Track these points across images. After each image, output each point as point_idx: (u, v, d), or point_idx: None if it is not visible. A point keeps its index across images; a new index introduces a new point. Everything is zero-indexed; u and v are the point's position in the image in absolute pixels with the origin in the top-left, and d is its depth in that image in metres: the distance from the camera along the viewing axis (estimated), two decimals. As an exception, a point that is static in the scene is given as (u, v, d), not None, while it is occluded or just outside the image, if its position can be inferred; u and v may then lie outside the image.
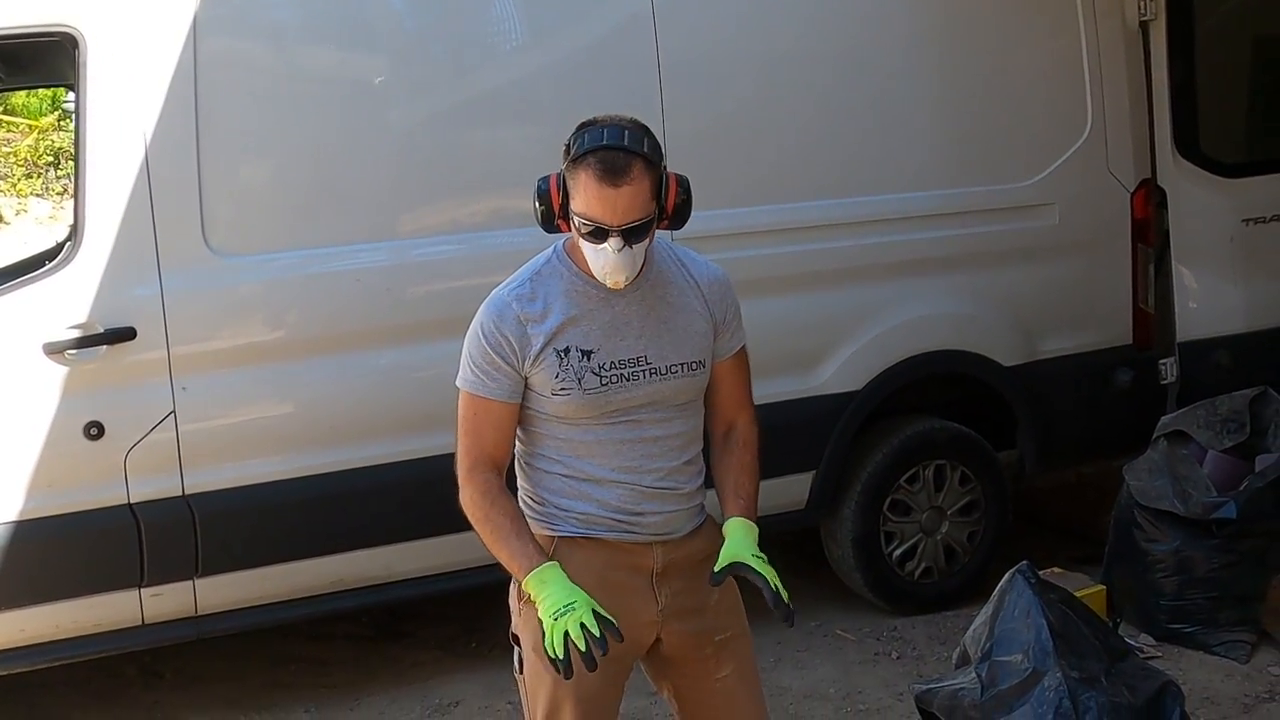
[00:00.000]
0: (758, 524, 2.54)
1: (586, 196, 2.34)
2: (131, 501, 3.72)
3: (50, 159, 12.72)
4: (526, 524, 2.49)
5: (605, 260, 2.37)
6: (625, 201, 2.34)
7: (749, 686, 2.68)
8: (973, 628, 3.50)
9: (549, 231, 2.47)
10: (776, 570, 2.45)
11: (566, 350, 2.44)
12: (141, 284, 3.70)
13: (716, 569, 2.47)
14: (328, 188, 3.94)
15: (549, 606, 2.35)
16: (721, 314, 2.56)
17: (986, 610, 3.47)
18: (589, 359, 2.45)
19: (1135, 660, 3.41)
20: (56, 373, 3.64)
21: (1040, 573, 3.55)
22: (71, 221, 3.81)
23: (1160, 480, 4.40)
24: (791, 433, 4.34)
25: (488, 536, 2.48)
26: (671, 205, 2.44)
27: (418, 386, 3.96)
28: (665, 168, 2.44)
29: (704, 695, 2.65)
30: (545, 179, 2.44)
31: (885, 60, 4.53)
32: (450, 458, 4.16)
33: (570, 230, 2.43)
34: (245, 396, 3.86)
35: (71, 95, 3.84)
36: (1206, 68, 5.09)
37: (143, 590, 3.76)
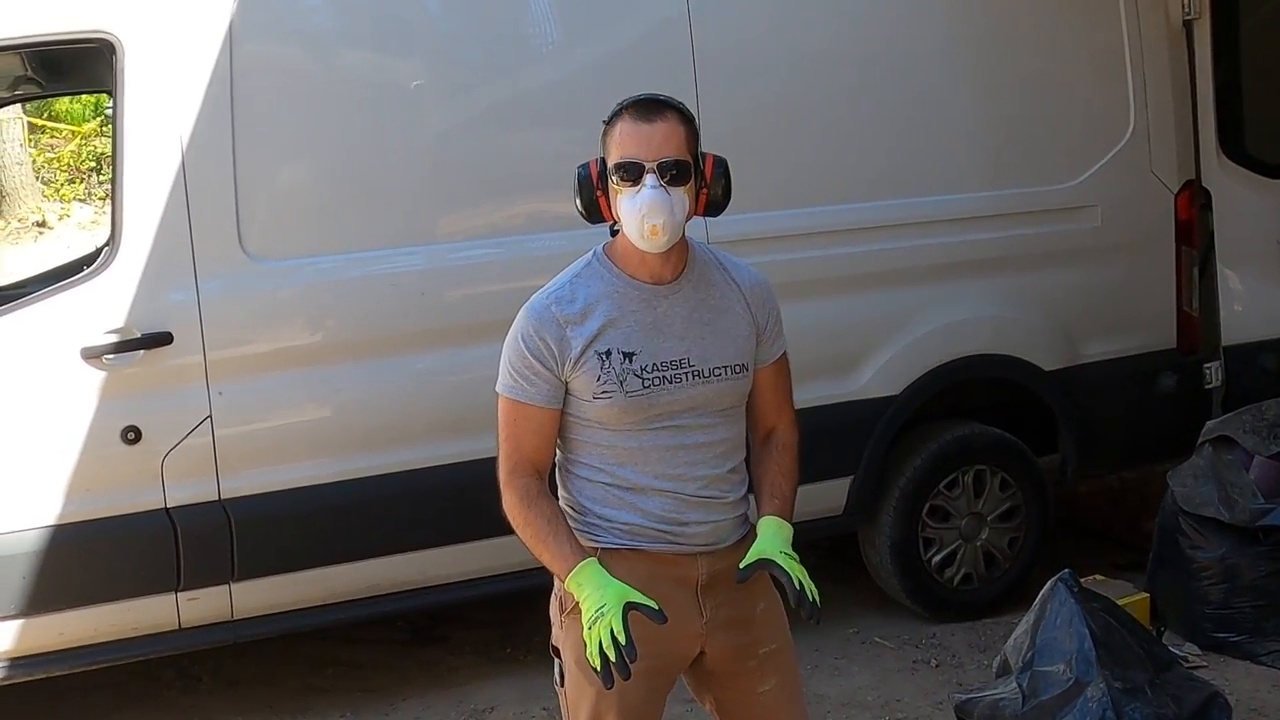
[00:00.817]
0: (792, 525, 2.49)
1: (622, 139, 2.36)
2: (168, 506, 3.73)
3: (93, 164, 12.87)
4: (565, 524, 2.44)
5: (642, 201, 2.33)
6: (660, 136, 2.34)
7: (792, 700, 2.64)
8: (1014, 636, 3.45)
9: (590, 217, 2.44)
10: (807, 570, 2.40)
11: (608, 353, 2.40)
12: (178, 289, 3.72)
13: (743, 565, 2.42)
14: (364, 192, 3.94)
15: (585, 616, 2.32)
16: (764, 319, 2.54)
17: (1028, 619, 3.42)
18: (631, 360, 2.40)
19: (1180, 670, 3.35)
20: (94, 377, 3.65)
21: (1082, 580, 3.50)
22: (110, 227, 3.83)
23: (1205, 486, 4.33)
24: (830, 437, 4.30)
25: (528, 540, 2.45)
26: (710, 174, 2.43)
27: (454, 391, 3.96)
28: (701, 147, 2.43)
29: (747, 709, 2.61)
30: (584, 163, 2.43)
31: (925, 60, 4.49)
32: (486, 462, 4.14)
33: (611, 211, 2.41)
34: (281, 401, 3.86)
35: (111, 101, 3.85)
36: (1251, 67, 5.02)
37: (179, 594, 3.77)
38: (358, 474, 3.91)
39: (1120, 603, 3.70)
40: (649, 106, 2.37)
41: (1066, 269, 4.69)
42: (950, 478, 4.55)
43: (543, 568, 3.91)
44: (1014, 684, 3.27)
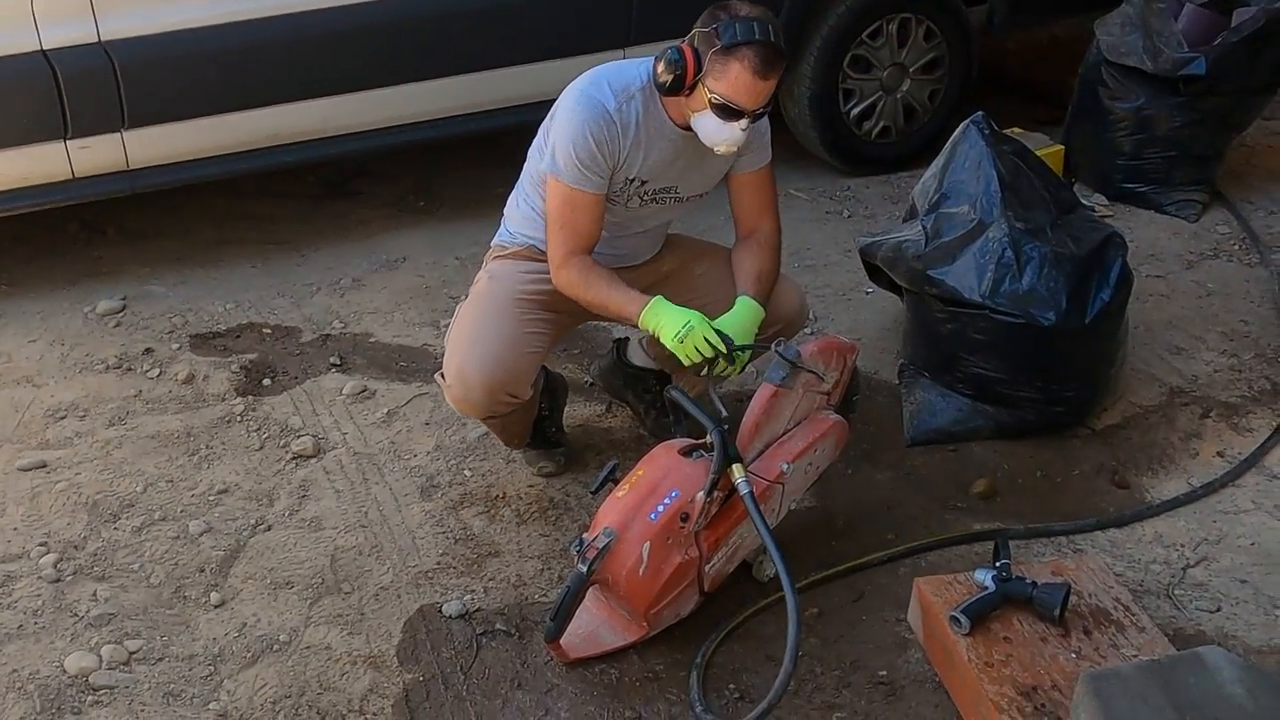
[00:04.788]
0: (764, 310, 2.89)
1: (736, 84, 2.60)
2: (44, 48, 3.51)
3: None
4: (619, 279, 2.80)
5: (730, 135, 2.68)
6: (766, 92, 2.64)
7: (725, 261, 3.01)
8: (922, 180, 3.43)
9: (665, 94, 2.70)
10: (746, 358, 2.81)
11: (633, 179, 2.80)
12: None
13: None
14: None
15: (669, 333, 2.69)
16: (750, 139, 2.79)
17: (937, 162, 3.39)
18: (643, 186, 2.83)
19: (1083, 213, 3.36)
20: (-57, -98, 3.33)
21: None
22: None
23: (1132, 35, 4.23)
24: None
25: (594, 299, 2.79)
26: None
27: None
28: None
29: (693, 294, 2.91)
30: (677, 50, 2.64)
31: None
32: (387, 3, 3.93)
33: (686, 104, 2.69)
34: (157, -67, 3.56)
35: None
36: None
37: (69, 143, 3.63)
38: (248, 15, 3.69)
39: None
40: (771, 61, 2.60)
41: None
42: (874, 26, 4.39)
43: (449, 120, 3.94)
44: (919, 226, 3.27)
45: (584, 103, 2.73)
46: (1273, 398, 3.41)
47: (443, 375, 2.87)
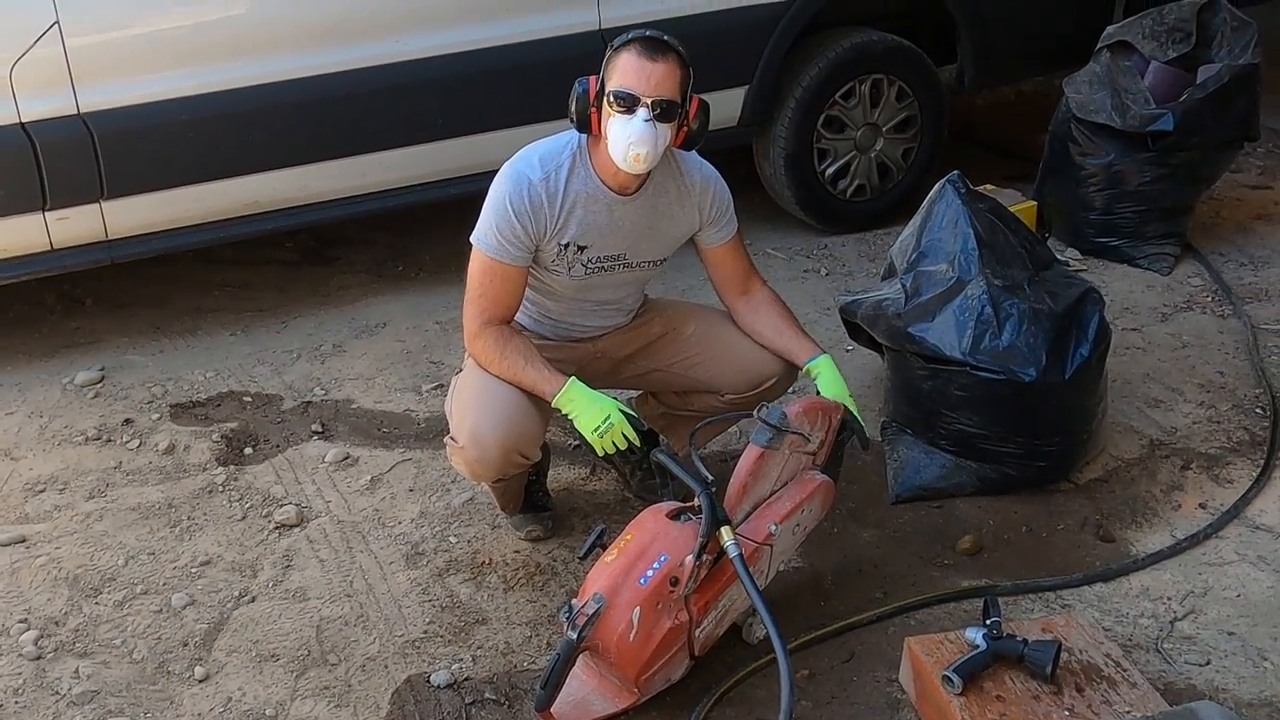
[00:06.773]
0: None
1: (626, 69, 2.64)
2: (23, 121, 3.52)
3: None
4: (538, 354, 2.80)
5: (632, 131, 2.64)
6: (659, 76, 2.64)
7: (719, 320, 3.06)
8: (900, 239, 3.46)
9: (580, 128, 2.73)
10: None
11: (568, 245, 2.80)
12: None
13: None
14: None
15: (587, 424, 2.73)
16: (711, 212, 2.92)
17: (915, 221, 3.42)
18: (583, 253, 2.82)
19: (1059, 269, 3.40)
20: (-78, -22, 3.34)
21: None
22: None
23: (1100, 93, 4.30)
24: (725, 45, 4.16)
25: (505, 372, 2.79)
26: (693, 114, 2.74)
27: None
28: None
29: (684, 355, 3.02)
30: (584, 77, 2.72)
31: None
32: (366, 71, 3.97)
33: (600, 128, 2.69)
34: (136, 6, 3.58)
35: None
36: None
37: (47, 214, 3.62)
38: (229, 85, 3.71)
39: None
40: (654, 46, 2.65)
41: None
42: (847, 87, 4.45)
43: (427, 185, 4.09)
44: (898, 284, 3.30)
45: (510, 176, 2.77)
46: (1251, 448, 3.44)
47: (453, 439, 2.85)
